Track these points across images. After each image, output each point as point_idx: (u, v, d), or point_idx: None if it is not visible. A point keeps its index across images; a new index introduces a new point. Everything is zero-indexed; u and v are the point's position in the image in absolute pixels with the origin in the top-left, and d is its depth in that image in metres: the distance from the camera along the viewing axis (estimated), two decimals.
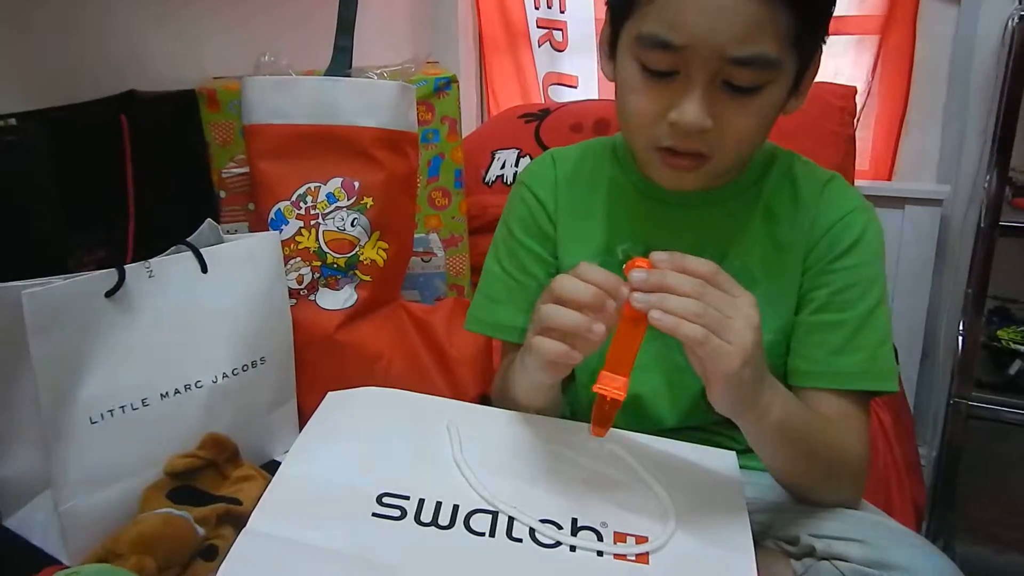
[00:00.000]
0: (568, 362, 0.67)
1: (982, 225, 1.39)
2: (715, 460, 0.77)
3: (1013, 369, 1.46)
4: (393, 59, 1.32)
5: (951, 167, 1.70)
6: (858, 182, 1.69)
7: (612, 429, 0.69)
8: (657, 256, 0.63)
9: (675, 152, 0.73)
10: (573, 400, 0.95)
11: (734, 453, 0.78)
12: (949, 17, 1.66)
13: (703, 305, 0.61)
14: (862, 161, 1.80)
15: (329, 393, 0.83)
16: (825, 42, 0.76)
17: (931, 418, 1.79)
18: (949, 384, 1.49)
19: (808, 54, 0.73)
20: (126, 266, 0.89)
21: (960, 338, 1.46)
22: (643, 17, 0.70)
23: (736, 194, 0.84)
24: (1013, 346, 1.47)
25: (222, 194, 1.22)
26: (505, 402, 0.84)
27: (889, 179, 1.79)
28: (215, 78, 1.35)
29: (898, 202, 1.72)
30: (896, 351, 1.60)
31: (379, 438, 0.77)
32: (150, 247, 0.98)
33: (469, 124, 2.17)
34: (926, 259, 1.72)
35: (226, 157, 1.26)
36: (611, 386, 0.64)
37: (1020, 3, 1.48)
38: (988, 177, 1.39)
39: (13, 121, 1.03)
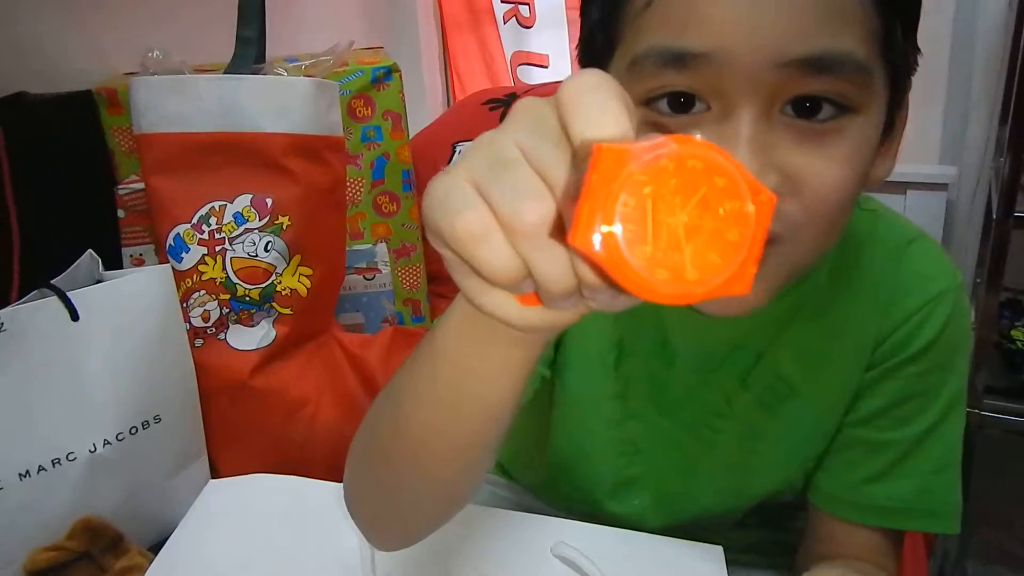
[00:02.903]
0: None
1: (995, 215, 1.23)
2: (700, 554, 0.62)
3: None
4: (335, 42, 1.17)
5: (955, 148, 1.54)
6: None
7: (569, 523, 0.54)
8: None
9: None
10: (557, 455, 0.71)
11: (720, 548, 0.62)
12: None
13: None
14: None
15: (211, 481, 0.67)
16: (916, 67, 0.50)
17: None
18: None
19: (900, 81, 0.47)
20: None
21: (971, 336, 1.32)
22: (638, 32, 0.44)
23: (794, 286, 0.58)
24: None
25: (121, 213, 1.05)
26: (396, 414, 0.45)
27: None
28: (126, 74, 1.19)
29: (899, 187, 1.57)
30: None
31: (270, 537, 0.62)
32: (43, 281, 0.83)
33: (434, 111, 2.02)
34: None
35: (132, 167, 1.10)
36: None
37: None
38: (1001, 161, 1.23)
39: None
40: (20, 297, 0.85)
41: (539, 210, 0.27)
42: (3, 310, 0.76)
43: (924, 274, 0.59)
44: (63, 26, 1.17)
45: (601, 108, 0.27)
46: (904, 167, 1.57)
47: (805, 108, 0.43)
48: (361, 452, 0.49)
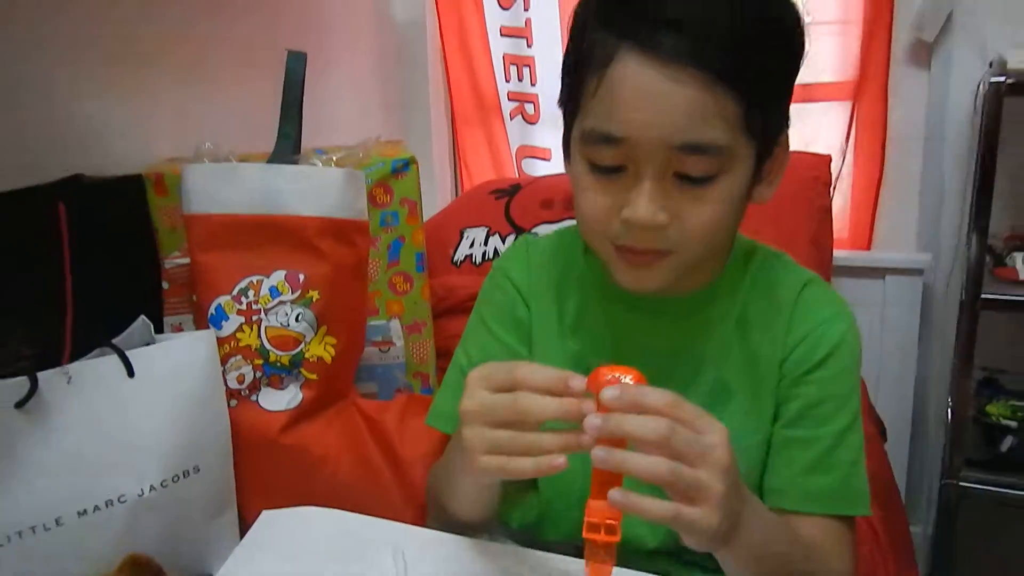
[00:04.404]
0: (523, 477, 0.61)
1: (964, 298, 1.33)
2: None
3: (1005, 445, 1.39)
4: (363, 135, 1.29)
5: (931, 235, 1.66)
6: (837, 252, 1.64)
7: (561, 558, 0.62)
8: (608, 395, 0.56)
9: (634, 250, 0.68)
10: (543, 502, 0.86)
11: None
12: (921, 82, 1.64)
13: (670, 466, 0.54)
14: (840, 230, 1.76)
15: (264, 511, 0.76)
16: (788, 125, 0.72)
17: (924, 495, 1.71)
18: (940, 462, 1.41)
19: (768, 139, 0.69)
20: (41, 373, 0.83)
21: (949, 413, 1.40)
22: (587, 113, 0.67)
23: (711, 298, 0.79)
24: (1003, 421, 1.40)
25: (166, 285, 1.16)
26: (439, 501, 0.79)
27: (868, 248, 1.74)
28: (169, 159, 1.31)
29: (878, 272, 1.67)
30: (884, 427, 1.55)
31: (316, 566, 0.70)
32: (92, 342, 0.93)
33: (443, 199, 2.15)
34: (910, 331, 1.66)
35: (174, 243, 1.21)
36: (603, 520, 0.57)
37: (991, 66, 1.45)
38: (967, 248, 1.35)
39: None
40: (71, 357, 0.95)
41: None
42: (71, 364, 0.86)
43: (816, 305, 0.77)
44: (115, 115, 1.28)
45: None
46: (883, 253, 1.70)
47: (685, 174, 0.65)
48: (432, 491, 0.84)
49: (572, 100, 0.70)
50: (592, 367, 0.78)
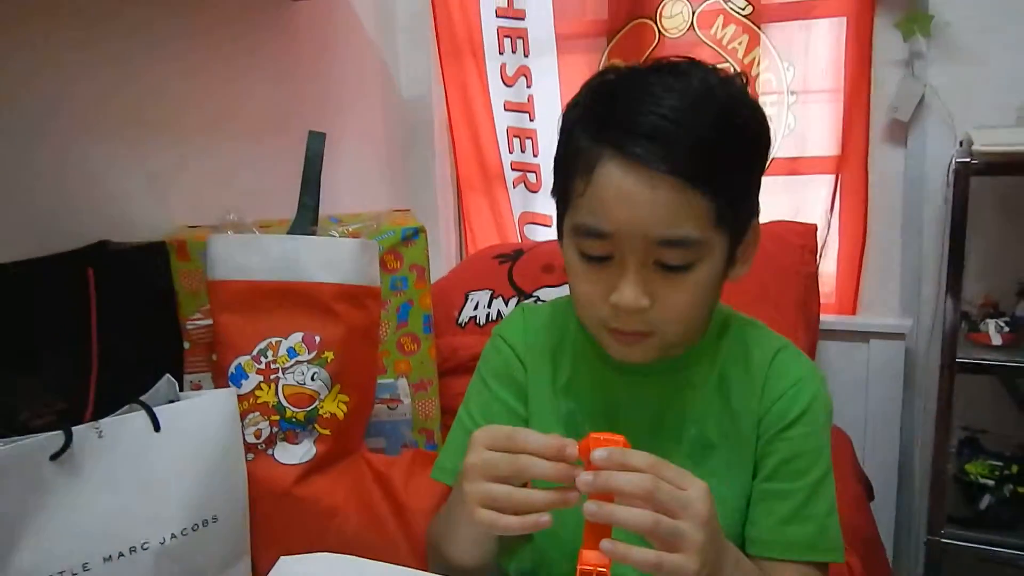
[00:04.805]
0: (516, 532, 0.68)
1: (941, 362, 1.40)
2: None
3: (983, 504, 1.45)
4: (376, 200, 1.38)
5: (912, 301, 1.73)
6: (824, 317, 1.72)
7: None
8: (598, 455, 0.63)
9: (622, 331, 0.77)
10: (536, 552, 0.93)
11: None
12: (898, 158, 1.75)
13: (654, 518, 0.61)
14: (828, 295, 1.84)
15: (281, 557, 0.82)
16: (756, 216, 0.80)
17: (912, 552, 1.75)
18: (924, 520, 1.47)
19: (739, 228, 0.77)
20: (74, 427, 0.89)
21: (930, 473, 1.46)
22: (576, 209, 0.75)
23: (692, 362, 0.86)
24: (981, 480, 1.46)
25: (186, 345, 1.23)
26: (438, 548, 0.84)
27: (854, 313, 1.82)
28: (190, 227, 1.39)
29: (863, 336, 1.75)
30: (871, 486, 1.60)
31: None
32: (113, 398, 0.99)
33: (449, 262, 2.24)
34: (894, 393, 1.73)
35: (194, 305, 1.28)
36: (595, 567, 0.63)
37: (960, 145, 1.55)
38: (943, 315, 1.42)
39: None
40: (94, 413, 1.01)
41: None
42: (103, 420, 0.93)
43: (788, 369, 0.85)
44: (137, 186, 1.37)
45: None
46: (867, 318, 1.77)
47: (664, 263, 0.73)
48: (431, 540, 0.89)
49: (563, 194, 0.78)
50: (583, 425, 0.87)
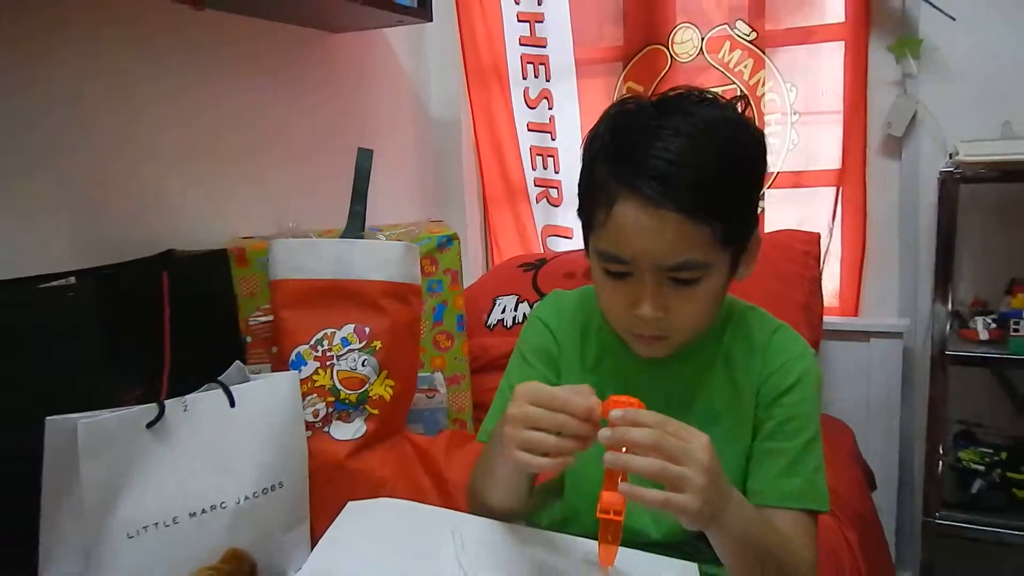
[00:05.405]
0: (546, 471, 0.81)
1: (932, 355, 1.53)
2: (676, 571, 0.89)
3: (975, 488, 1.56)
4: (409, 214, 1.53)
5: (909, 302, 1.86)
6: (827, 318, 1.85)
7: (585, 540, 0.81)
8: (614, 414, 0.77)
9: (643, 335, 0.91)
10: (568, 504, 1.06)
11: (695, 565, 0.90)
12: (894, 170, 1.88)
13: (661, 464, 0.74)
14: (832, 299, 1.97)
15: (349, 503, 0.96)
16: (755, 228, 0.93)
17: (912, 538, 1.86)
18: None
19: (739, 244, 0.89)
20: (166, 401, 1.04)
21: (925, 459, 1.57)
22: (600, 235, 0.88)
23: (700, 348, 0.99)
24: (973, 466, 1.57)
25: (248, 339, 1.39)
26: (477, 493, 0.97)
27: (856, 314, 1.95)
28: (243, 237, 1.55)
29: (864, 336, 1.87)
30: (873, 475, 1.72)
31: (393, 542, 0.90)
32: (183, 385, 1.14)
33: (476, 271, 2.39)
34: (893, 388, 1.85)
35: (251, 307, 1.44)
36: (611, 506, 0.77)
37: (950, 157, 1.68)
38: (933, 313, 1.55)
39: (72, 279, 1.22)
40: (168, 395, 1.15)
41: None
42: (188, 396, 1.08)
43: (784, 346, 0.98)
44: (198, 201, 1.54)
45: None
46: (867, 319, 1.90)
47: (676, 279, 0.85)
48: (470, 489, 1.01)
49: (587, 219, 0.91)
50: (606, 397, 1.00)
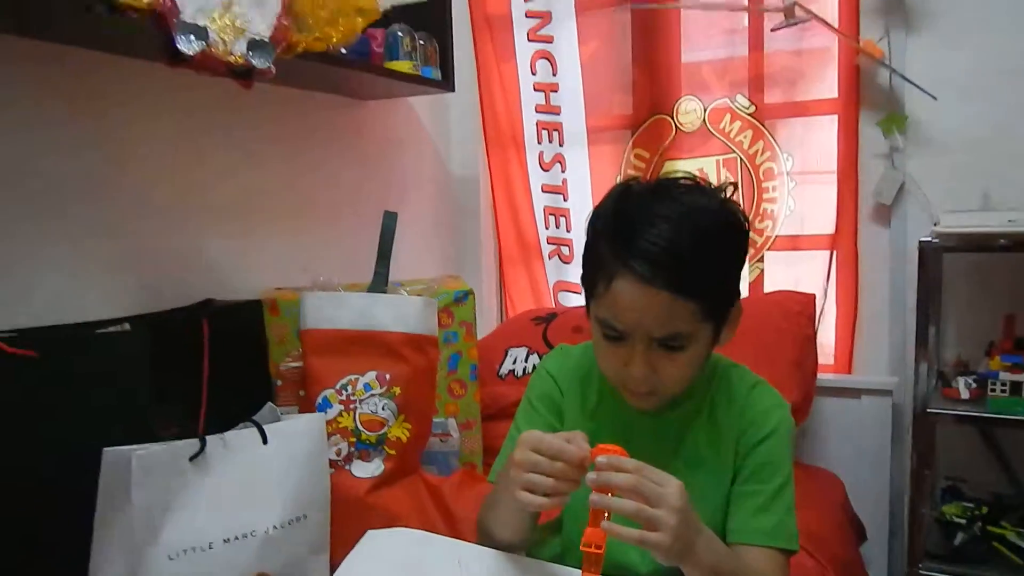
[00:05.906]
0: (545, 509, 0.93)
1: (914, 413, 1.63)
2: None
3: (958, 540, 1.64)
4: (429, 269, 1.64)
5: (899, 362, 1.96)
6: (821, 375, 1.94)
7: (577, 571, 0.93)
8: (600, 460, 0.88)
9: (634, 391, 1.02)
10: (565, 540, 1.17)
11: None
12: (883, 236, 1.99)
13: (638, 506, 0.85)
14: (827, 357, 2.07)
15: (368, 531, 1.07)
16: (734, 303, 1.04)
17: None
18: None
19: (721, 316, 1.00)
20: (207, 437, 1.16)
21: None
22: (599, 304, 0.99)
23: (688, 399, 1.10)
24: (955, 519, 1.65)
25: (278, 382, 1.51)
26: (485, 528, 1.08)
27: (850, 372, 2.05)
28: (276, 288, 1.67)
29: (855, 392, 1.97)
30: (864, 528, 1.80)
31: (405, 568, 1.02)
32: (216, 422, 1.26)
33: (491, 323, 2.50)
34: (883, 443, 1.94)
35: (282, 353, 1.56)
36: (593, 541, 0.88)
37: (935, 226, 1.79)
38: (917, 373, 1.65)
39: (127, 326, 1.36)
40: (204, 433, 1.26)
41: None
42: (227, 432, 1.20)
43: (762, 397, 1.09)
44: (235, 255, 1.68)
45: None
46: (859, 377, 2.00)
47: (664, 345, 0.96)
48: (480, 522, 1.10)
49: (589, 287, 1.01)
50: (602, 442, 1.11)
